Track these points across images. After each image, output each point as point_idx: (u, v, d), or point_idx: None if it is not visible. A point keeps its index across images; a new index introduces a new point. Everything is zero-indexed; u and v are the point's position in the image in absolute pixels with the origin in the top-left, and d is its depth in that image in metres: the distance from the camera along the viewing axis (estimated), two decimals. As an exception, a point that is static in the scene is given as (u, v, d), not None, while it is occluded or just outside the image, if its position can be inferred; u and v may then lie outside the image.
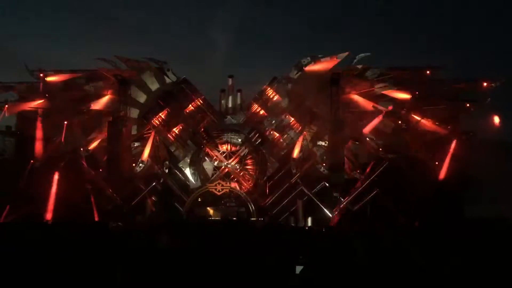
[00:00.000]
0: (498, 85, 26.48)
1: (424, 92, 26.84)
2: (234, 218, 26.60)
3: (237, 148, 29.75)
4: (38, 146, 27.14)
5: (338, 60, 27.15)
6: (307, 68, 28.09)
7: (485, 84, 26.41)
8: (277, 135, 29.15)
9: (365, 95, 27.37)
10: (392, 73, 27.35)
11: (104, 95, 28.15)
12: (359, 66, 27.09)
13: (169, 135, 28.85)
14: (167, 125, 28.79)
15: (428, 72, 26.64)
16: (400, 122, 27.19)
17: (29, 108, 27.98)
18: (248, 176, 29.87)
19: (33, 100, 27.82)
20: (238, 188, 28.99)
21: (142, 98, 28.66)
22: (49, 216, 24.66)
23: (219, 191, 28.30)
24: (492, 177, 24.01)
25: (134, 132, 28.83)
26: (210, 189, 28.25)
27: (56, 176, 25.77)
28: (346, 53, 27.29)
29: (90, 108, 28.18)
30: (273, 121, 28.98)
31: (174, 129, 29.05)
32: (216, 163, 29.72)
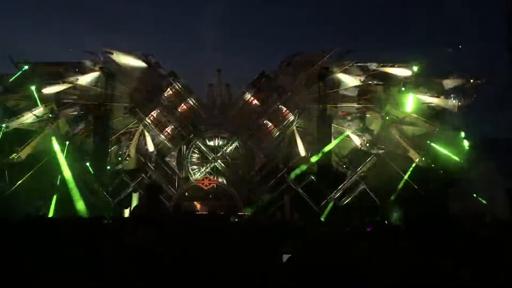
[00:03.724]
0: (484, 82, 26.66)
1: (411, 87, 26.99)
2: (221, 213, 26.53)
3: (225, 142, 29.69)
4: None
5: (326, 55, 27.20)
6: (295, 63, 28.10)
7: (471, 80, 26.58)
8: (265, 129, 29.12)
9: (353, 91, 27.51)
10: (380, 68, 27.43)
11: (90, 88, 27.89)
12: (347, 61, 27.11)
13: (155, 129, 28.65)
14: (154, 118, 28.57)
15: (415, 67, 26.70)
16: (387, 117, 27.27)
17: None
18: (235, 171, 29.82)
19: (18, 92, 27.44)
20: (225, 182, 28.96)
21: (129, 91, 28.44)
22: None
23: (206, 186, 28.29)
24: (477, 173, 24.23)
25: (120, 125, 28.66)
26: (198, 184, 28.22)
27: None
28: (335, 49, 27.38)
29: (77, 101, 27.96)
30: (259, 118, 28.83)
31: (161, 123, 28.86)
32: (203, 157, 29.65)
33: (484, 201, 24.96)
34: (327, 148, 26.23)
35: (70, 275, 6.82)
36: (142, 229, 8.20)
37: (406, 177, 26.38)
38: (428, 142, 26.73)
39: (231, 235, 9.57)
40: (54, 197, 25.31)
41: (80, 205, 24.78)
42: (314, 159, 27.41)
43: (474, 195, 25.23)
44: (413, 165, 26.50)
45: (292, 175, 27.71)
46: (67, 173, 25.46)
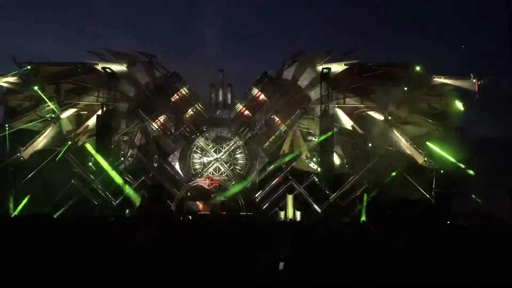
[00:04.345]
0: (486, 81, 26.62)
1: (413, 88, 27.01)
2: (223, 213, 26.49)
3: (227, 142, 29.71)
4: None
5: (329, 55, 27.22)
6: (298, 63, 28.13)
7: (474, 80, 26.57)
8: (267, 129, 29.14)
9: (354, 91, 27.55)
10: (382, 68, 27.44)
11: (93, 89, 28.00)
12: (350, 62, 27.10)
13: (158, 129, 28.67)
14: (156, 119, 28.60)
15: (417, 68, 26.72)
16: (389, 117, 27.28)
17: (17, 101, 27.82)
18: (237, 171, 29.84)
19: (21, 92, 27.60)
20: (227, 182, 28.99)
21: (131, 91, 28.51)
22: None
23: (208, 186, 28.30)
24: (480, 173, 24.21)
25: (123, 125, 28.73)
26: (200, 184, 28.24)
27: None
28: (337, 49, 27.43)
29: (79, 101, 28.08)
30: (262, 118, 28.84)
31: (164, 123, 28.88)
32: (206, 157, 29.69)
33: (479, 200, 24.94)
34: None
35: (73, 273, 6.87)
36: (145, 229, 8.23)
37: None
38: (424, 141, 26.70)
39: (231, 235, 9.61)
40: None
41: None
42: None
43: (473, 195, 25.19)
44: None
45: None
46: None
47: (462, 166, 25.32)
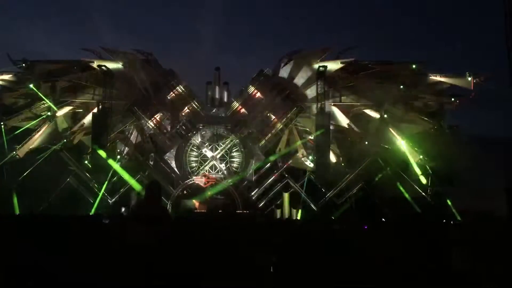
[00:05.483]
0: (482, 80, 26.67)
1: (410, 86, 27.05)
2: (220, 211, 26.52)
3: (223, 140, 29.67)
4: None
5: (325, 53, 27.19)
6: (294, 62, 28.09)
7: (469, 78, 26.61)
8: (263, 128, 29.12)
9: (351, 90, 27.55)
10: (378, 67, 27.43)
11: (89, 86, 27.88)
12: (346, 60, 27.09)
13: (154, 127, 28.59)
14: (152, 117, 28.51)
15: (413, 66, 26.76)
16: (385, 116, 27.29)
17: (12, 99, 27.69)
18: (234, 169, 29.82)
19: (16, 90, 27.47)
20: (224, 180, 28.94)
21: (127, 89, 28.37)
22: None
23: (205, 184, 28.26)
24: (474, 171, 24.26)
25: (119, 123, 28.63)
26: (196, 182, 28.21)
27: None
28: (333, 47, 27.41)
29: (75, 99, 27.96)
30: (258, 116, 28.78)
31: (160, 121, 28.81)
32: (202, 155, 29.65)
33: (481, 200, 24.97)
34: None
35: (70, 271, 6.85)
36: (141, 227, 8.21)
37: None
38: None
39: (227, 234, 9.60)
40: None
41: None
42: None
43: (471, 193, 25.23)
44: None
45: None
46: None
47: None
